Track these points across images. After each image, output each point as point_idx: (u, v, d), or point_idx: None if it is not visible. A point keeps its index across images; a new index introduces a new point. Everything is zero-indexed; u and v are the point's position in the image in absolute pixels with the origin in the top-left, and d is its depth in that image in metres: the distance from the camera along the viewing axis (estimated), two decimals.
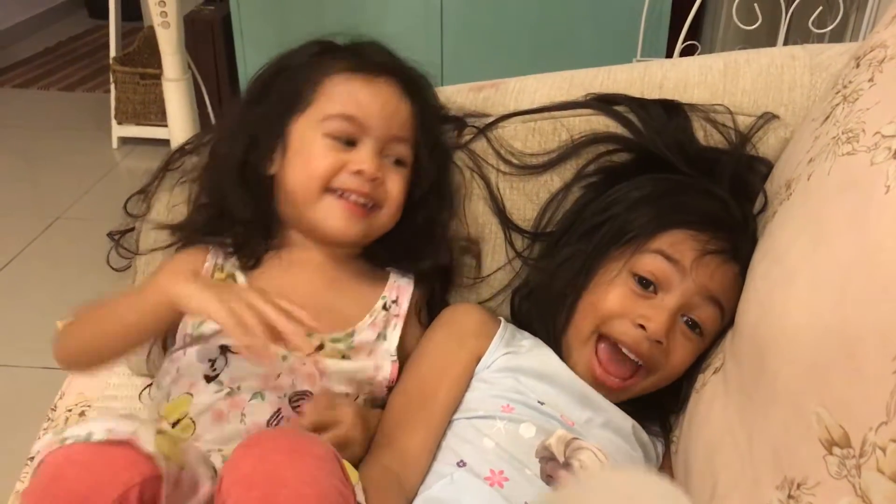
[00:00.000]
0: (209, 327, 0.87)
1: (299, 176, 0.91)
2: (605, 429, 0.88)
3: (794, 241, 0.76)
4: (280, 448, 0.69)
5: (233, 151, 0.94)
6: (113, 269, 1.04)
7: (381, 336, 0.94)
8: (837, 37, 1.78)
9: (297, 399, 0.86)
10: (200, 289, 0.77)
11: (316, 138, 0.91)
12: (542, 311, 0.96)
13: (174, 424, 0.84)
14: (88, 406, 1.06)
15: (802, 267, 0.73)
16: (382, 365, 0.93)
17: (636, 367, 0.88)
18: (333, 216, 0.91)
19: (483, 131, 1.04)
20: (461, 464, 0.84)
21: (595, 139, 1.00)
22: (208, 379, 0.86)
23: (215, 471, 0.75)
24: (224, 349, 0.87)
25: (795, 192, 0.81)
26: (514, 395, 0.88)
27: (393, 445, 0.86)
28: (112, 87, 3.00)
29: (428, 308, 1.01)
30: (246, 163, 0.94)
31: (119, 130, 3.08)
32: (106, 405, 1.06)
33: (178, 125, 2.06)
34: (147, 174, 1.05)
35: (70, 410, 1.06)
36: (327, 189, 0.91)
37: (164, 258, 0.99)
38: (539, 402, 0.87)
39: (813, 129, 0.86)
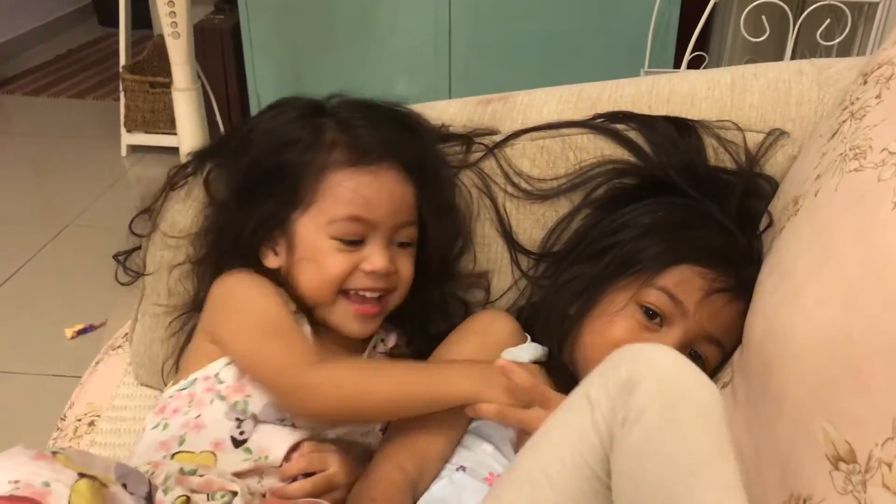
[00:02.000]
0: (255, 407, 0.85)
1: (311, 280, 0.89)
2: None
3: (801, 256, 0.77)
4: None
5: (230, 238, 0.92)
6: (121, 283, 1.04)
7: None
8: (845, 49, 1.79)
9: None
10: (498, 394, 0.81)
11: (323, 241, 0.88)
12: (545, 329, 0.96)
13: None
14: (98, 416, 1.07)
15: (809, 282, 0.73)
16: None
17: None
18: (349, 321, 0.90)
19: (492, 150, 1.04)
20: (460, 468, 0.85)
21: (603, 164, 1.01)
22: (236, 443, 0.84)
23: None
24: (257, 421, 0.85)
25: (803, 208, 0.81)
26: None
27: (414, 448, 0.86)
28: (122, 95, 3.02)
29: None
30: (246, 251, 0.92)
31: (128, 138, 3.10)
32: (116, 415, 1.07)
33: (188, 135, 2.07)
34: (154, 182, 1.04)
35: (80, 420, 1.07)
36: (341, 291, 0.89)
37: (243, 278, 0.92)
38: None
39: (820, 146, 0.86)
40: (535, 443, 0.72)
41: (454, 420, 0.87)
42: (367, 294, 0.90)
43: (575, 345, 0.92)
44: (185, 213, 1.03)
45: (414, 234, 0.93)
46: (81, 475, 0.61)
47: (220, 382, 0.86)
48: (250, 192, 0.92)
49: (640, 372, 0.66)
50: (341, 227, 0.88)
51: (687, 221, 0.93)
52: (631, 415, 0.64)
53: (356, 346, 0.95)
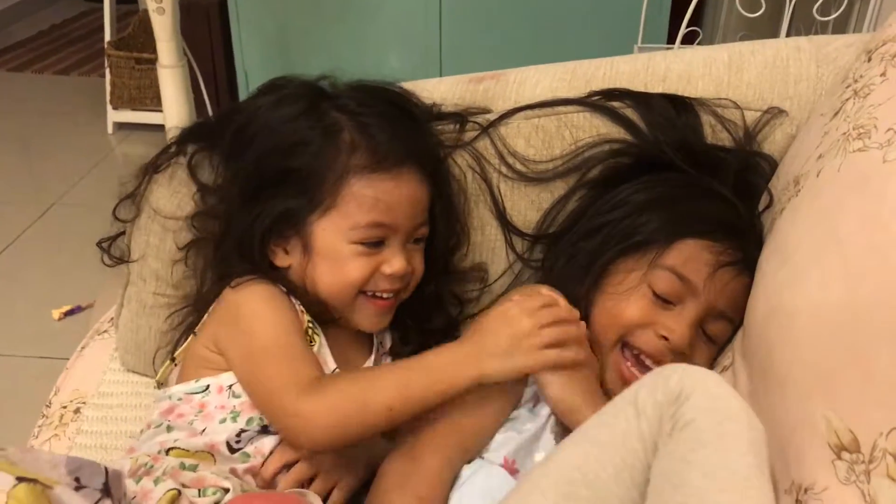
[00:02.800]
0: (261, 417, 0.83)
1: (332, 284, 0.88)
2: None
3: (803, 238, 0.75)
4: None
5: (235, 237, 0.90)
6: (107, 265, 1.02)
7: None
8: (841, 25, 1.76)
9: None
10: (506, 357, 0.80)
11: (344, 245, 0.87)
12: None
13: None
14: (84, 403, 1.05)
15: (812, 266, 0.71)
16: None
17: None
18: (367, 317, 0.90)
19: (486, 130, 1.02)
20: (481, 457, 0.83)
21: (599, 143, 0.99)
22: (231, 449, 0.82)
23: None
24: (259, 432, 0.84)
25: (804, 189, 0.80)
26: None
27: (462, 442, 0.82)
28: (107, 71, 2.98)
29: None
30: (250, 251, 0.89)
31: (115, 115, 3.06)
32: (102, 402, 1.05)
33: (174, 113, 2.04)
34: (140, 162, 1.01)
35: (65, 407, 1.05)
36: (360, 291, 0.89)
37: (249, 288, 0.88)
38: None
39: (822, 124, 0.84)
40: (576, 440, 0.72)
41: (501, 406, 0.85)
42: (385, 295, 0.90)
43: (584, 319, 0.89)
44: (168, 197, 1.00)
45: (426, 233, 0.93)
46: (20, 479, 0.59)
47: (236, 397, 0.84)
48: (259, 191, 0.88)
49: (691, 387, 0.66)
50: (363, 232, 0.86)
51: (688, 194, 0.92)
52: (679, 423, 0.64)
53: (365, 343, 0.95)
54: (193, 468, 0.77)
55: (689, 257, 0.87)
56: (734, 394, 0.67)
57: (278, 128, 0.89)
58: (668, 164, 0.95)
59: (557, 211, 1.00)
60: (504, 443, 0.82)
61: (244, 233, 0.89)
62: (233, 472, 0.81)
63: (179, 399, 0.86)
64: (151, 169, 0.99)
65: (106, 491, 0.66)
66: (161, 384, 0.92)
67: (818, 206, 0.75)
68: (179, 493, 0.71)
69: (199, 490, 0.74)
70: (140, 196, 1.01)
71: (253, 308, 0.86)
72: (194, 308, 0.96)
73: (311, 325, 0.87)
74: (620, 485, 0.66)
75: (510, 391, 0.85)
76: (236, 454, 0.82)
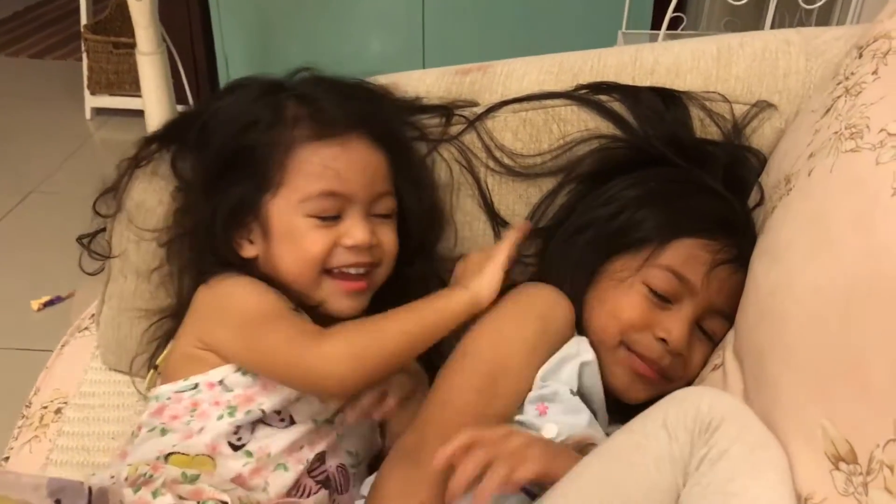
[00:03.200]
0: (263, 412, 0.82)
1: (293, 264, 0.86)
2: None
3: (795, 240, 0.74)
4: None
5: (202, 235, 0.89)
6: (86, 272, 1.00)
7: None
8: (826, 12, 1.75)
9: (314, 465, 0.84)
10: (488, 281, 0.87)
11: (299, 221, 0.85)
12: None
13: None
14: (65, 403, 1.03)
15: (804, 269, 0.71)
16: None
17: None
18: (337, 300, 0.87)
19: (473, 123, 1.00)
20: None
21: (588, 139, 0.98)
22: (233, 447, 0.81)
23: None
24: (255, 423, 0.82)
25: (795, 188, 0.79)
26: (551, 399, 0.84)
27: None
28: (84, 55, 2.92)
29: None
30: (217, 245, 0.88)
31: (92, 101, 3.01)
32: (84, 402, 1.03)
33: (153, 100, 2.01)
34: (122, 147, 0.99)
35: (45, 407, 1.03)
36: (325, 270, 0.86)
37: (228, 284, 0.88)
38: (571, 391, 0.84)
39: (813, 122, 0.83)
40: (604, 458, 0.72)
41: (504, 410, 0.83)
42: (352, 271, 0.87)
43: (579, 315, 0.89)
44: (151, 191, 0.98)
45: (392, 205, 0.90)
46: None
47: (228, 391, 0.83)
48: (216, 182, 0.88)
49: (721, 414, 0.67)
50: (316, 203, 0.84)
51: (682, 190, 0.91)
52: (712, 452, 0.65)
53: None
54: (193, 479, 0.75)
55: (688, 256, 0.86)
56: (760, 422, 0.68)
57: (232, 115, 0.89)
58: (658, 159, 0.94)
59: (546, 206, 0.99)
60: None
61: (208, 227, 0.88)
62: (238, 479, 0.79)
63: (168, 398, 0.84)
64: (134, 163, 0.97)
65: None
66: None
67: (810, 206, 0.75)
68: None
69: (198, 503, 0.72)
70: (122, 191, 0.99)
71: (234, 291, 0.86)
72: (174, 313, 0.94)
73: (294, 310, 0.86)
74: None
75: (515, 393, 0.84)
76: (239, 452, 0.81)
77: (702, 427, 0.66)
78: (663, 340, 0.85)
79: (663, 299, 0.87)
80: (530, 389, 0.83)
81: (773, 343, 0.72)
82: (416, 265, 0.96)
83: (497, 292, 0.87)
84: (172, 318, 0.94)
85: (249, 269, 0.88)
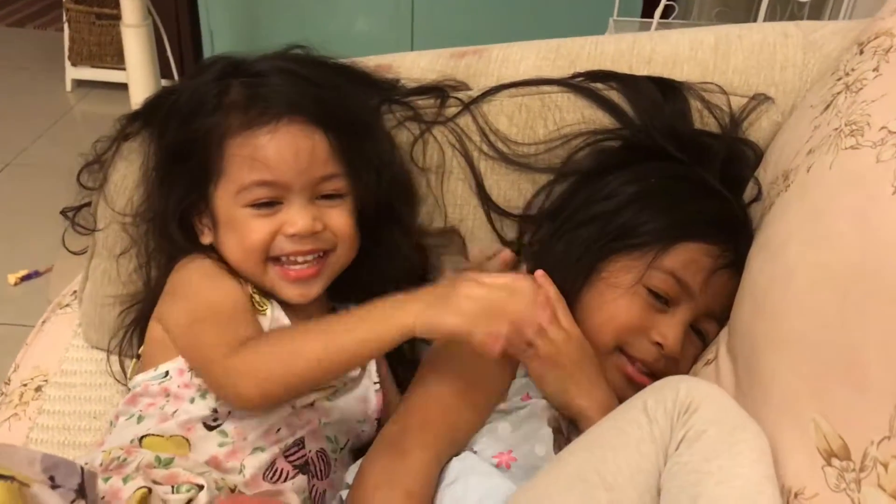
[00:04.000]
0: None
1: (236, 252, 0.85)
2: None
3: (793, 236, 0.74)
4: None
5: (160, 221, 0.90)
6: (70, 251, 0.98)
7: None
8: (818, 5, 1.75)
9: (291, 450, 0.83)
10: (433, 309, 0.73)
11: (237, 211, 0.84)
12: None
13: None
14: (45, 381, 1.01)
15: (801, 265, 0.70)
16: (369, 397, 0.90)
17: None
18: (285, 288, 0.86)
19: (468, 106, 0.99)
20: (472, 451, 0.81)
21: (584, 133, 0.97)
22: (208, 427, 0.80)
23: None
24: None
25: (794, 184, 0.78)
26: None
27: (452, 437, 0.81)
28: (66, 25, 2.87)
29: None
30: (173, 234, 0.89)
31: (73, 72, 2.96)
32: (65, 380, 1.02)
33: (138, 74, 1.97)
34: (103, 121, 0.98)
35: (25, 385, 1.01)
36: (269, 258, 0.85)
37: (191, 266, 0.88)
38: None
39: (812, 117, 0.83)
40: (587, 444, 0.73)
41: (488, 398, 0.84)
42: (299, 258, 0.85)
43: (574, 313, 0.88)
44: (130, 172, 0.97)
45: (342, 186, 0.86)
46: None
47: (198, 376, 0.82)
48: (169, 169, 0.88)
49: (699, 398, 0.68)
50: (250, 193, 0.83)
51: (683, 190, 0.91)
52: (690, 433, 0.66)
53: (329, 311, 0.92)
54: (168, 463, 0.74)
55: (689, 260, 0.86)
56: (738, 406, 0.69)
57: (186, 97, 0.87)
58: (656, 150, 0.93)
59: (546, 195, 0.97)
60: (498, 438, 0.81)
61: (165, 216, 0.88)
62: (213, 461, 0.78)
63: (141, 387, 0.84)
64: (120, 135, 0.96)
65: (81, 492, 0.63)
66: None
67: (808, 203, 0.74)
68: (150, 490, 0.69)
69: (173, 487, 0.71)
70: (108, 164, 0.97)
71: (188, 278, 0.86)
72: (147, 298, 0.94)
73: (255, 293, 0.86)
74: (636, 487, 0.67)
75: (497, 381, 0.84)
76: (214, 432, 0.80)
77: (680, 409, 0.68)
78: (659, 344, 0.85)
79: (662, 301, 0.86)
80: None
81: (768, 337, 0.72)
82: (388, 243, 0.94)
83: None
84: (144, 303, 0.94)
85: (212, 253, 0.88)
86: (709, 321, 0.88)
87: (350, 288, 0.92)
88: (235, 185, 0.83)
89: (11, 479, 0.57)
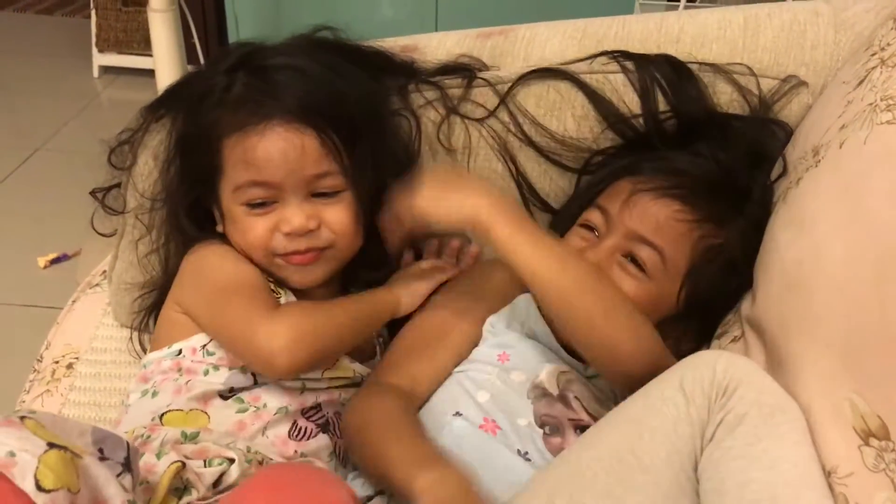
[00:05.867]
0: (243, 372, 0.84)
1: (241, 247, 0.87)
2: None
3: (824, 212, 0.73)
4: (296, 497, 0.63)
5: (174, 211, 0.92)
6: (99, 233, 0.99)
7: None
8: None
9: (310, 412, 0.85)
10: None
11: (237, 209, 0.85)
12: None
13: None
14: (76, 358, 1.03)
15: (834, 241, 0.70)
16: None
17: None
18: (288, 275, 0.88)
19: (502, 99, 0.99)
20: (457, 414, 0.84)
21: (612, 123, 0.98)
22: (224, 397, 0.82)
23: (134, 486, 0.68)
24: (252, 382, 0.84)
25: (825, 160, 0.77)
26: (510, 345, 0.89)
27: (400, 371, 0.88)
28: (93, 12, 2.90)
29: None
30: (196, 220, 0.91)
31: (101, 59, 2.99)
32: (96, 357, 1.03)
33: (165, 59, 1.98)
34: (129, 107, 0.98)
35: (57, 362, 1.03)
36: (271, 253, 0.86)
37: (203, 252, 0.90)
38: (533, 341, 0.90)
39: (844, 93, 0.82)
40: (624, 423, 0.73)
41: (440, 345, 0.90)
42: (297, 255, 0.86)
43: None
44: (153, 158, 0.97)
45: (338, 183, 0.85)
46: (52, 445, 0.57)
47: (210, 354, 0.84)
48: (178, 161, 0.90)
49: (737, 378, 0.67)
50: (245, 193, 0.84)
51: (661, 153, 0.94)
52: (729, 417, 0.66)
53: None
54: (194, 438, 0.75)
55: (613, 192, 0.90)
56: (776, 384, 0.68)
57: (200, 85, 0.89)
58: (674, 135, 0.94)
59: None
60: (484, 403, 0.84)
61: (178, 207, 0.90)
62: (236, 427, 0.80)
63: (151, 364, 0.86)
64: (151, 117, 0.96)
65: (126, 465, 0.64)
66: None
67: (841, 178, 0.73)
68: (184, 465, 0.70)
69: (205, 461, 0.72)
70: (137, 143, 0.97)
71: (210, 259, 0.88)
72: (163, 283, 0.95)
73: (271, 281, 0.87)
74: (671, 468, 0.68)
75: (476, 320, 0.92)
76: (230, 400, 0.81)
77: (718, 391, 0.68)
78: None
79: (593, 233, 0.90)
80: (476, 326, 0.92)
81: (799, 314, 0.71)
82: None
83: (415, 307, 0.93)
84: (163, 287, 0.95)
85: (226, 240, 0.89)
86: (640, 245, 0.87)
87: (364, 269, 0.95)
88: (232, 184, 0.85)
89: (65, 449, 0.57)
